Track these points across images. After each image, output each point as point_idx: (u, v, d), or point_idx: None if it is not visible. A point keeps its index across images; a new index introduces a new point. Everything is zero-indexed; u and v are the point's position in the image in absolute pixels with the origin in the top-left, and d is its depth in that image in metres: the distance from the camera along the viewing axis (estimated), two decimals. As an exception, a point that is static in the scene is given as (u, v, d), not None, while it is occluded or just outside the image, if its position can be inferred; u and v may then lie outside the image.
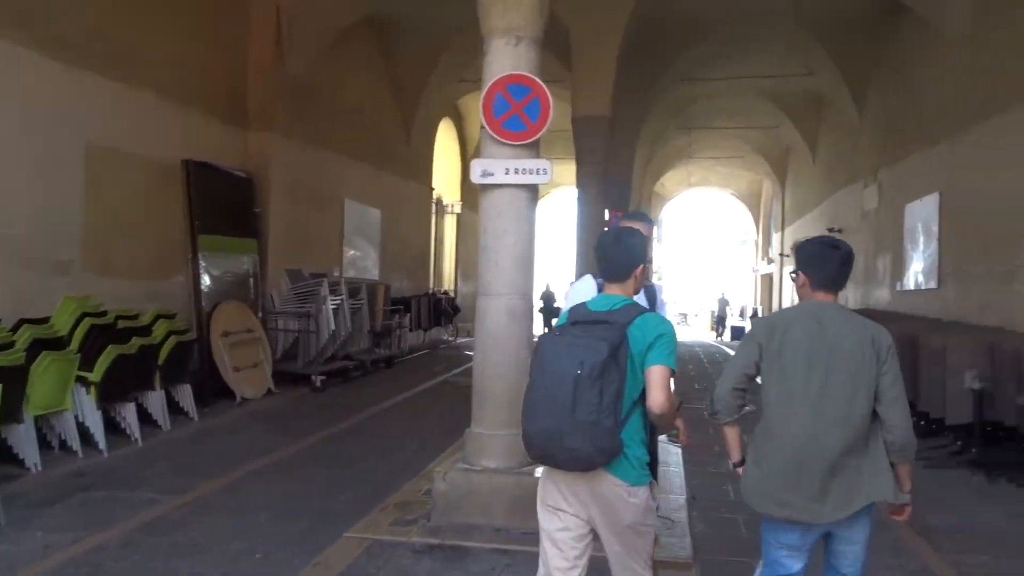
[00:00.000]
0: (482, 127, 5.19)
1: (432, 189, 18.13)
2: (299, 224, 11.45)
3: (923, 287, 11.17)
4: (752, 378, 2.65)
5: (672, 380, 2.43)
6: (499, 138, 5.06)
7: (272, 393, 9.73)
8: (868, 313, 12.23)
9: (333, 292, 10.59)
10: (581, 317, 2.51)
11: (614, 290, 2.60)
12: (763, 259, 29.92)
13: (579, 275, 3.87)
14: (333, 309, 10.44)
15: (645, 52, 14.30)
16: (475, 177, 5.08)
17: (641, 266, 2.62)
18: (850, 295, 15.52)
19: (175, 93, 9.15)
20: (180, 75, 9.29)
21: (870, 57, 13.88)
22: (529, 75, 5.07)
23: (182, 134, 9.32)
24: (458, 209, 20.70)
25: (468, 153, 20.81)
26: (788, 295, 23.51)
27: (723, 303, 28.40)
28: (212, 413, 8.47)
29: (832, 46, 14.14)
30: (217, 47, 10.11)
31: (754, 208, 31.02)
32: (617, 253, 2.62)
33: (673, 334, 2.49)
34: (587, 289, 3.49)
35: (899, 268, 12.30)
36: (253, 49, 10.77)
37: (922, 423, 7.73)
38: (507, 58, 5.14)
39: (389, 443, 7.33)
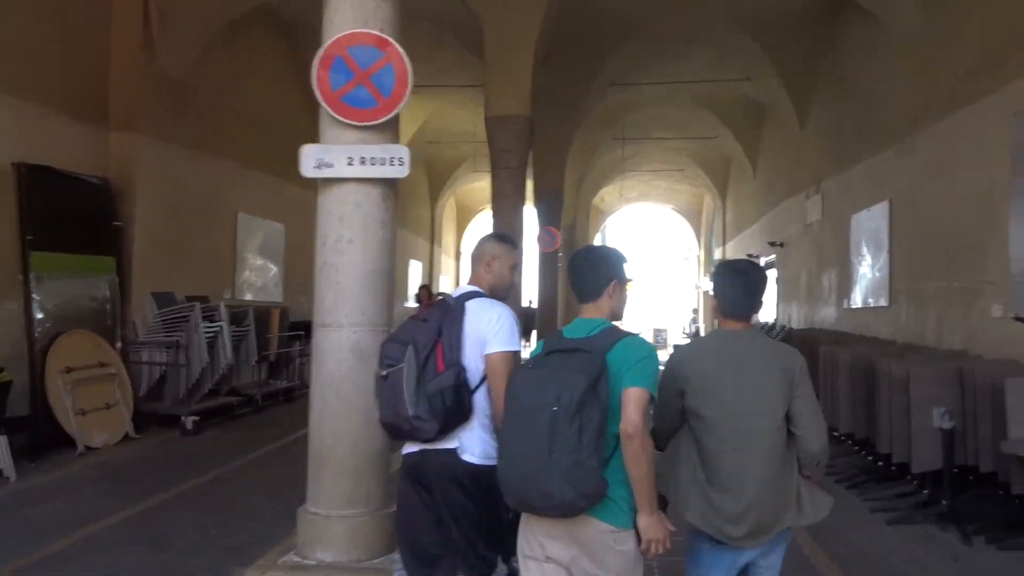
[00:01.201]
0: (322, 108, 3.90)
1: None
2: (176, 240, 9.96)
3: (873, 304, 10.24)
4: (680, 418, 2.60)
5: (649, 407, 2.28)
6: (339, 117, 3.80)
7: (130, 439, 8.22)
8: (813, 334, 11.31)
9: (209, 318, 9.11)
10: (556, 346, 2.34)
11: (589, 312, 2.46)
12: (705, 275, 29.20)
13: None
14: (209, 338, 8.96)
15: (571, 52, 13.25)
16: (306, 169, 3.79)
17: (615, 282, 2.47)
18: (794, 314, 14.62)
19: (5, 84, 7.66)
20: (14, 63, 7.80)
21: (812, 60, 13.06)
22: (379, 34, 3.82)
23: (15, 133, 7.81)
24: (382, 225, 19.32)
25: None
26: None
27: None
28: (42, 468, 6.94)
29: (771, 49, 13.27)
30: (69, 34, 8.63)
31: (696, 223, 30.34)
32: (585, 269, 2.49)
33: (655, 358, 2.32)
34: (486, 314, 2.78)
35: (846, 284, 11.39)
36: (116, 39, 9.30)
37: (879, 464, 6.66)
38: (352, 11, 3.88)
39: (244, 508, 5.90)
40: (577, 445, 2.09)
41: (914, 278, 8.95)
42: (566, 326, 2.50)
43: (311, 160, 3.74)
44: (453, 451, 2.70)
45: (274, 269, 12.89)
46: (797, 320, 14.32)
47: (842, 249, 11.56)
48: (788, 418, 2.50)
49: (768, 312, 17.22)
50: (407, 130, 18.76)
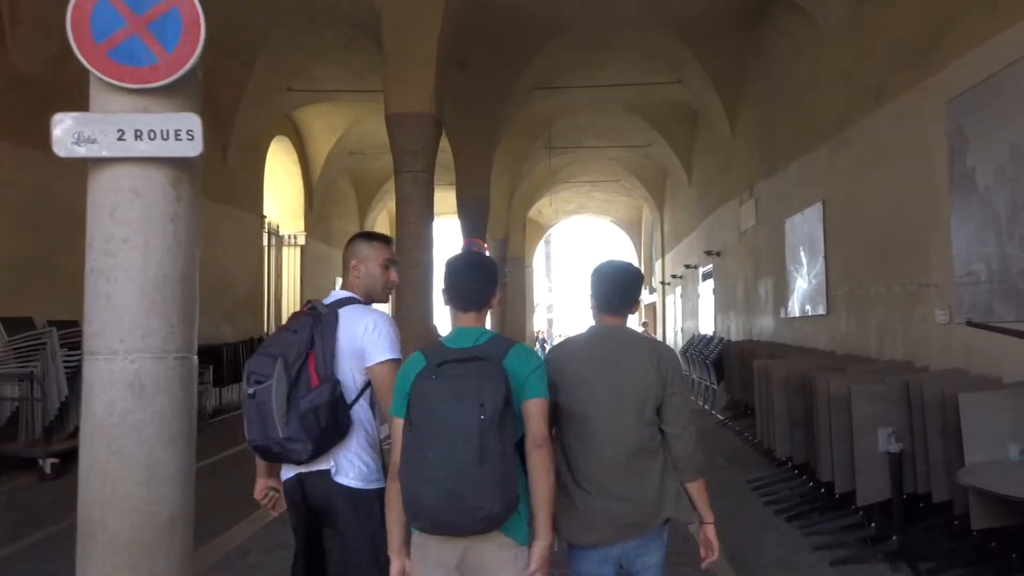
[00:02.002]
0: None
1: (263, 217, 15.62)
2: (36, 257, 8.78)
3: (810, 313, 9.63)
4: (554, 416, 2.42)
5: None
6: (105, 77, 2.85)
7: (-28, 488, 7.04)
8: (750, 346, 10.68)
9: (73, 345, 7.96)
10: (446, 356, 2.17)
11: (469, 321, 2.33)
12: (645, 288, 28.73)
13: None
14: (71, 368, 7.81)
15: (493, 55, 12.52)
16: (61, 145, 2.82)
17: (497, 295, 2.39)
18: (732, 325, 14.03)
19: None
20: None
21: (742, 60, 12.57)
22: (159, -35, 2.90)
23: None
24: (302, 240, 18.22)
25: (312, 176, 18.42)
26: (672, 324, 22.18)
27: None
28: None
29: (700, 50, 12.74)
30: None
31: (636, 235, 29.91)
32: (475, 277, 2.35)
33: (543, 364, 2.31)
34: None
35: (782, 292, 10.79)
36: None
37: (822, 491, 5.92)
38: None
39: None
40: (503, 455, 2.02)
41: (852, 284, 8.35)
42: (444, 338, 2.35)
43: (67, 134, 2.77)
44: (326, 472, 2.52)
45: (169, 289, 11.69)
46: (735, 331, 13.72)
47: (778, 256, 10.98)
48: (660, 416, 2.47)
49: (707, 324, 16.64)
50: (326, 139, 17.79)
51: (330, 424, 2.46)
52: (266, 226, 15.83)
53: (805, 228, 9.84)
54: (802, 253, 9.96)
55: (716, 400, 11.90)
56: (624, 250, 32.70)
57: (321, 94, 14.63)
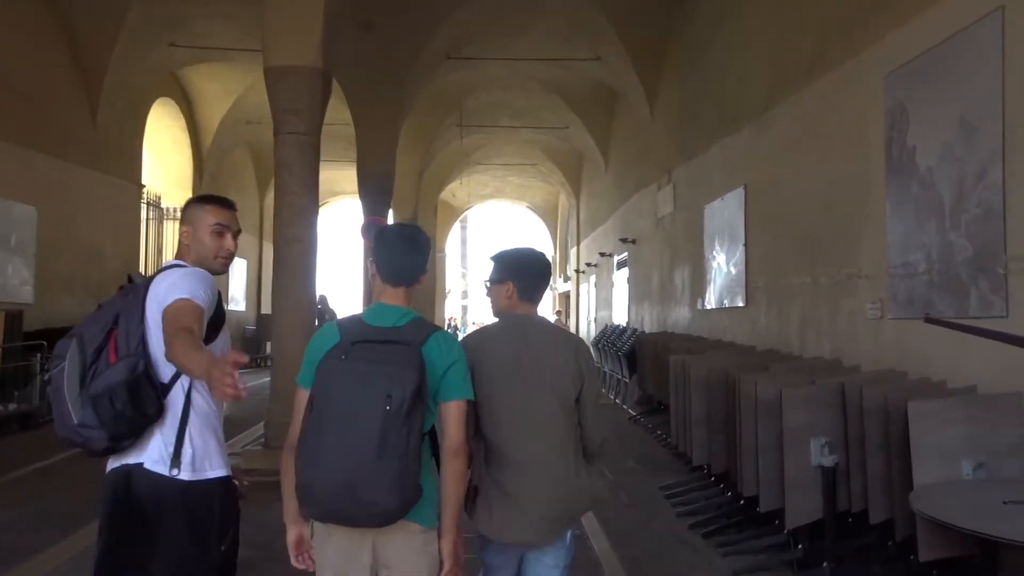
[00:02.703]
0: None
1: (141, 187, 14.10)
2: None
3: (728, 305, 9.08)
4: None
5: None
6: None
7: None
8: (665, 339, 10.07)
9: None
10: (362, 335, 2.07)
11: (394, 298, 2.21)
12: (560, 276, 28.21)
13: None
14: None
15: (399, 17, 11.51)
16: None
17: (425, 273, 2.29)
18: (646, 316, 13.49)
19: None
20: None
21: (663, 37, 11.96)
22: None
23: None
24: (189, 215, 16.70)
25: (203, 145, 16.90)
26: (586, 314, 21.66)
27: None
28: None
29: (621, 25, 12.05)
30: None
31: (552, 222, 29.31)
32: (407, 250, 2.23)
33: (463, 354, 2.22)
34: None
35: (700, 282, 10.23)
36: None
37: (742, 503, 5.27)
38: None
39: None
40: (405, 450, 1.92)
41: (774, 274, 7.80)
42: (364, 312, 2.22)
43: None
44: (142, 467, 2.16)
45: (17, 262, 10.22)
46: (649, 323, 13.18)
47: (695, 244, 10.42)
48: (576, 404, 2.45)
49: (620, 314, 16.11)
50: (219, 104, 16.32)
51: (129, 407, 2.11)
52: (144, 196, 14.29)
53: (725, 214, 9.27)
54: (720, 241, 9.40)
55: (628, 394, 11.31)
56: (540, 237, 32.11)
57: (209, 52, 13.23)
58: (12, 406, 8.78)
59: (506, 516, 2.34)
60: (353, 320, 2.19)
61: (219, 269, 2.41)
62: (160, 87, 14.64)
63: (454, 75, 14.42)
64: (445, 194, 25.54)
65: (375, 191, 12.97)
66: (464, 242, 47.85)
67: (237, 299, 20.50)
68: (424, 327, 2.15)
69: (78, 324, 2.27)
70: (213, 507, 2.19)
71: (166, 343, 2.07)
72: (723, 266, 9.31)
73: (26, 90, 10.34)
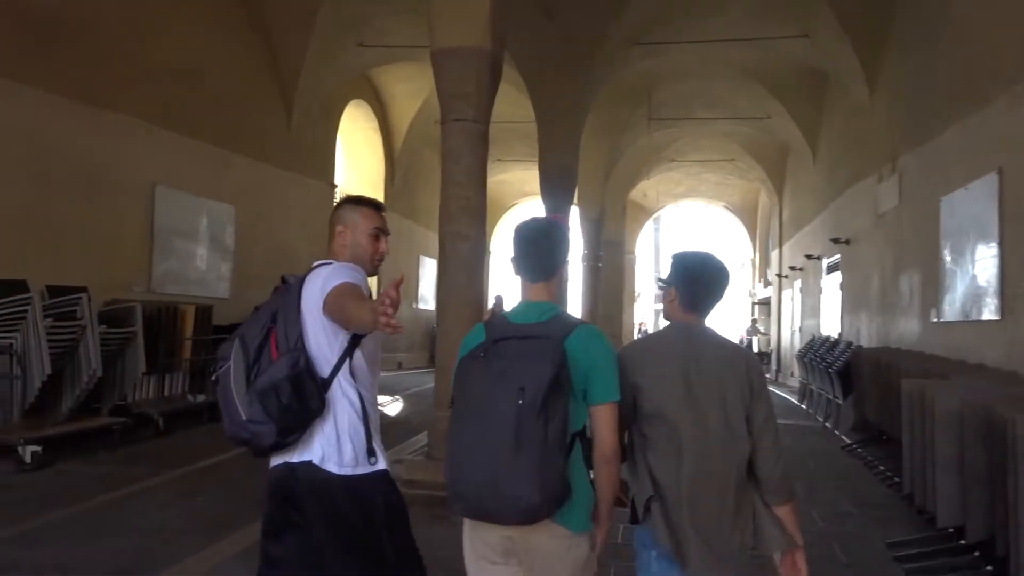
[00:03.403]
0: None
1: (334, 186, 14.48)
2: (35, 213, 7.73)
3: (975, 317, 7.40)
4: (632, 416, 2.26)
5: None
6: None
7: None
8: (890, 356, 8.45)
9: (68, 315, 6.89)
10: (505, 332, 2.07)
11: (537, 294, 2.20)
12: (760, 281, 26.16)
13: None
14: (64, 342, 6.74)
15: (581, 2, 10.77)
16: None
17: (565, 263, 2.28)
18: (863, 327, 11.72)
19: None
20: None
21: (884, 3, 10.25)
22: None
23: None
24: (381, 214, 17.04)
25: (394, 146, 17.20)
26: (788, 320, 19.73)
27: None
28: None
29: (836, -3, 10.53)
30: None
31: (751, 223, 27.25)
32: (542, 245, 2.21)
33: (615, 355, 2.15)
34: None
35: (934, 289, 8.54)
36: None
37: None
38: None
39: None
40: (543, 444, 1.88)
41: (1043, 279, 6.16)
42: (510, 311, 2.20)
43: None
44: (310, 464, 2.20)
45: (217, 260, 10.67)
46: (867, 335, 11.43)
47: (928, 243, 8.73)
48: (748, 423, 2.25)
49: (829, 324, 14.30)
50: (410, 105, 16.49)
51: (294, 401, 2.15)
52: (337, 196, 14.66)
53: (970, 208, 7.60)
54: (964, 240, 7.73)
55: (841, 418, 9.75)
56: (738, 239, 30.10)
57: (397, 51, 13.25)
58: (202, 397, 9.05)
59: (683, 529, 2.17)
60: (498, 320, 2.16)
61: (373, 271, 2.44)
62: (353, 89, 14.99)
63: (642, 63, 13.43)
64: (635, 193, 24.48)
65: (557, 189, 12.31)
66: (657, 244, 46.31)
67: (427, 298, 20.79)
68: (567, 322, 2.10)
69: (242, 325, 2.31)
70: (377, 501, 2.21)
71: (331, 311, 2.18)
72: (967, 270, 7.64)
73: (224, 94, 10.78)
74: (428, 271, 20.99)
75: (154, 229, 9.30)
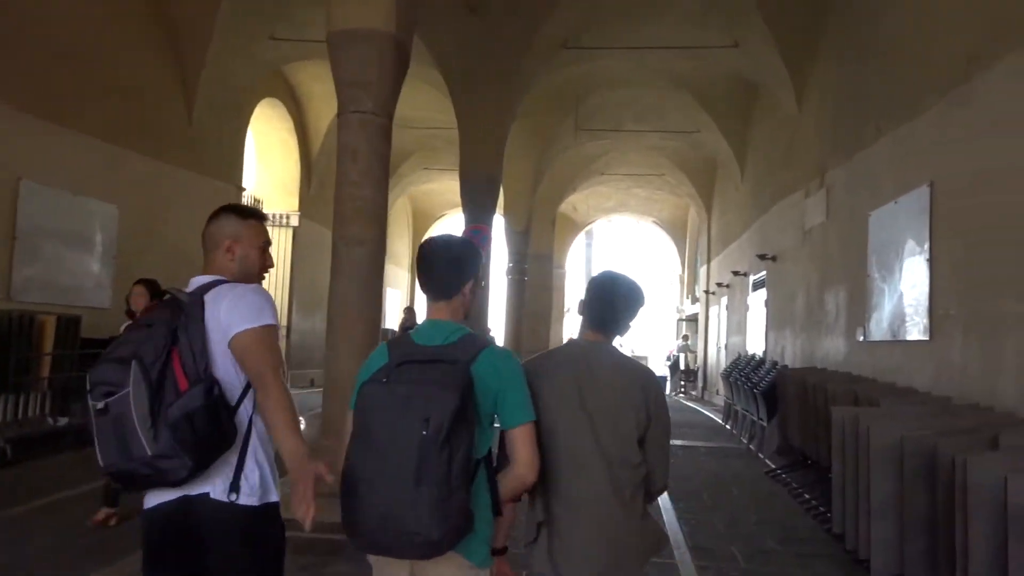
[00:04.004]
0: None
1: (240, 188, 13.51)
2: None
3: (903, 337, 7.06)
4: None
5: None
6: None
7: None
8: (816, 378, 7.99)
9: None
10: (410, 354, 1.98)
11: (441, 312, 2.13)
12: (688, 297, 26.06)
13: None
14: None
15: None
16: None
17: (471, 281, 2.18)
18: (788, 346, 11.43)
19: None
20: None
21: (816, 11, 10.03)
22: None
23: None
24: (295, 221, 16.11)
25: (311, 149, 16.31)
26: (715, 337, 19.55)
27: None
28: None
29: (766, 1, 10.26)
30: None
31: (680, 239, 27.18)
32: (444, 261, 2.14)
33: (522, 371, 2.09)
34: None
35: (861, 307, 8.22)
36: None
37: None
38: None
39: None
40: (447, 476, 1.80)
41: (974, 297, 5.80)
42: (414, 330, 2.13)
43: None
44: (209, 496, 2.08)
45: (94, 264, 9.63)
46: (792, 353, 11.13)
47: (855, 260, 8.43)
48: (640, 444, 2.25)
49: (755, 341, 14.04)
50: (328, 106, 15.62)
51: (210, 431, 2.02)
52: (244, 200, 13.70)
53: (899, 222, 7.29)
54: (891, 255, 7.41)
55: (765, 441, 9.35)
56: (668, 255, 30.05)
57: (313, 47, 12.39)
58: (64, 420, 8.02)
59: (562, 554, 2.17)
60: (403, 339, 2.09)
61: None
62: (266, 86, 14.07)
63: (571, 68, 12.99)
64: (565, 207, 24.09)
65: (479, 197, 11.68)
66: (589, 259, 46.18)
67: (392, 325, 20.02)
68: (473, 344, 2.02)
69: (117, 348, 2.09)
70: (274, 533, 2.16)
71: (261, 396, 2.12)
72: (894, 287, 7.31)
73: (114, 81, 9.79)
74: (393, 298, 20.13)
75: (16, 229, 8.25)
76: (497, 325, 16.31)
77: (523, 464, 1.99)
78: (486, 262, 11.78)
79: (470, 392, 1.88)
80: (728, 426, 12.28)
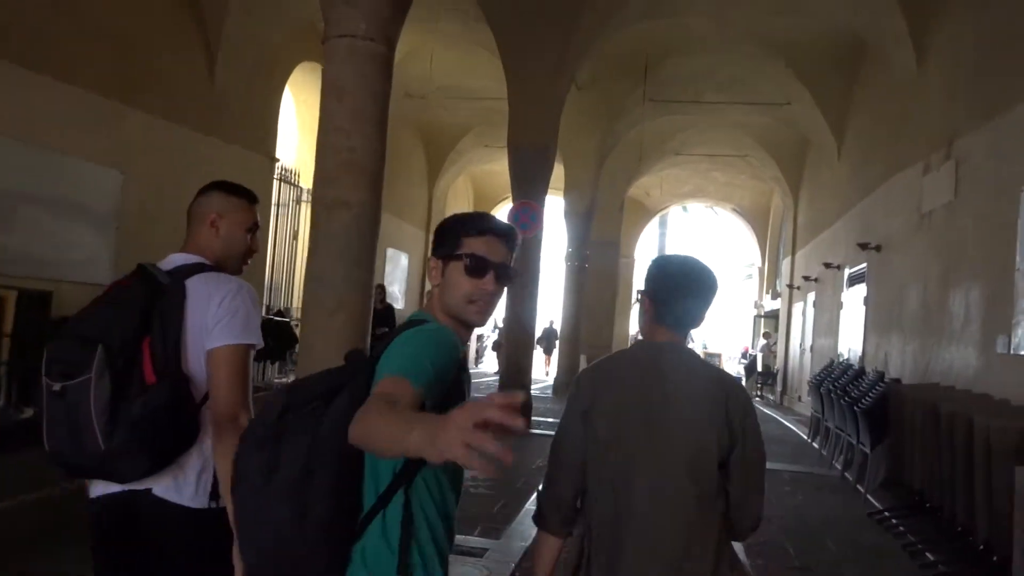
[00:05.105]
0: None
1: (275, 161, 12.36)
2: None
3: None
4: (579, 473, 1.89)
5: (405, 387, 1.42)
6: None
7: None
8: (946, 396, 6.14)
9: None
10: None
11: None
12: (767, 293, 23.93)
13: None
14: None
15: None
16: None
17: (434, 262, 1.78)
18: (894, 354, 9.51)
19: None
20: None
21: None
22: None
23: None
24: (338, 198, 14.94)
25: (357, 121, 15.05)
26: (798, 337, 17.54)
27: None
28: None
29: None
30: None
31: (761, 229, 25.01)
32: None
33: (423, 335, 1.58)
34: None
35: (1003, 308, 6.37)
36: None
37: None
38: None
39: None
40: (306, 505, 1.52)
41: None
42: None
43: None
44: (151, 492, 1.93)
45: (92, 237, 8.55)
46: (898, 364, 9.22)
47: (997, 247, 6.57)
48: (723, 470, 1.87)
49: (849, 344, 12.11)
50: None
51: (171, 432, 1.89)
52: (277, 172, 12.54)
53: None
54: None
55: (868, 472, 7.53)
56: (746, 246, 27.87)
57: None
58: (29, 412, 6.93)
59: None
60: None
61: (239, 271, 2.19)
62: (306, 47, 12.84)
63: (640, 26, 11.28)
64: (636, 191, 22.29)
65: (529, 169, 10.17)
66: (662, 249, 44.02)
67: (396, 296, 18.67)
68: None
69: (81, 323, 1.91)
70: (222, 536, 1.87)
71: (214, 438, 1.93)
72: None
73: (116, 29, 8.68)
74: (401, 264, 18.95)
75: (-12, 192, 7.19)
76: (555, 318, 14.81)
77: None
78: (535, 245, 10.27)
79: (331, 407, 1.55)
80: (815, 445, 10.45)
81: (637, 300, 2.06)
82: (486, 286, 1.63)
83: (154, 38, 9.39)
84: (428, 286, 15.78)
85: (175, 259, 2.10)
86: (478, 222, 1.69)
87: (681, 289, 1.92)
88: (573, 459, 1.87)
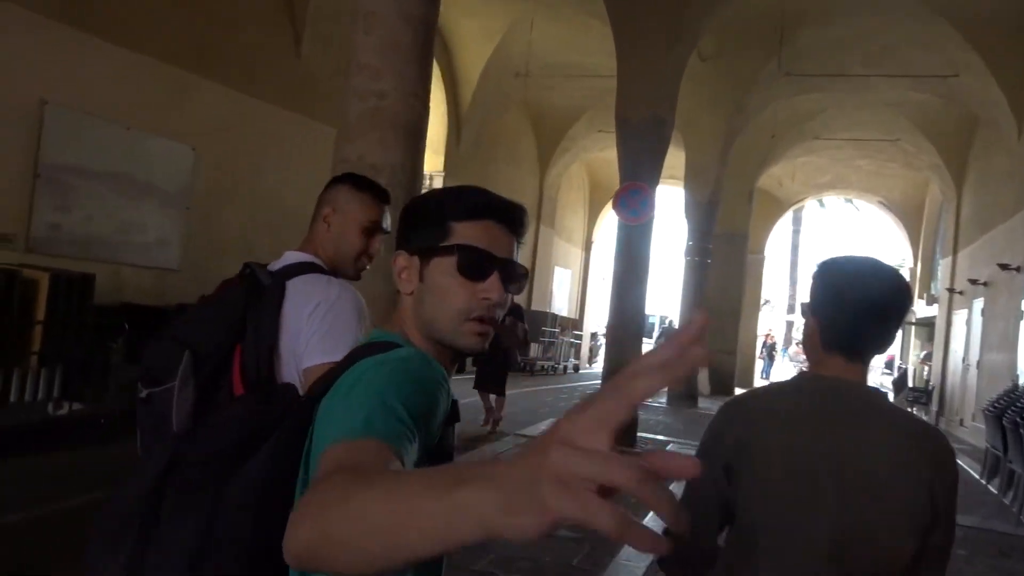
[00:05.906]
0: None
1: (366, 142, 11.60)
2: None
3: None
4: (723, 517, 1.46)
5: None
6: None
7: None
8: None
9: None
10: None
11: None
12: (920, 298, 21.24)
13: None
14: None
15: None
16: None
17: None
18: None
19: None
20: None
21: None
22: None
23: None
24: (439, 183, 14.09)
25: (462, 100, 14.19)
26: (960, 349, 15.20)
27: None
28: None
29: None
30: None
31: (914, 224, 22.27)
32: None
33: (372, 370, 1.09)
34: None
35: None
36: None
37: None
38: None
39: None
40: None
41: None
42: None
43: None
44: None
45: (158, 216, 8.00)
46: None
47: None
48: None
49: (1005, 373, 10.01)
50: (481, 49, 13.44)
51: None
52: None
53: None
54: None
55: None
56: (894, 244, 25.06)
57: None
58: (77, 406, 6.34)
59: None
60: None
61: (355, 275, 1.96)
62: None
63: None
64: (767, 181, 20.25)
65: (638, 147, 8.83)
66: (796, 245, 40.97)
67: (560, 308, 18.40)
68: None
69: (185, 324, 1.75)
70: None
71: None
72: None
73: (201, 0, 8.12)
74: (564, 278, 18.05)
75: (36, 165, 6.65)
76: (669, 314, 13.38)
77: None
78: (645, 232, 8.93)
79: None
80: (993, 488, 8.50)
81: (803, 315, 1.58)
82: (489, 293, 1.11)
83: (238, 9, 8.79)
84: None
85: (288, 257, 1.92)
86: (472, 197, 1.17)
87: (861, 305, 1.44)
88: (707, 509, 1.44)
